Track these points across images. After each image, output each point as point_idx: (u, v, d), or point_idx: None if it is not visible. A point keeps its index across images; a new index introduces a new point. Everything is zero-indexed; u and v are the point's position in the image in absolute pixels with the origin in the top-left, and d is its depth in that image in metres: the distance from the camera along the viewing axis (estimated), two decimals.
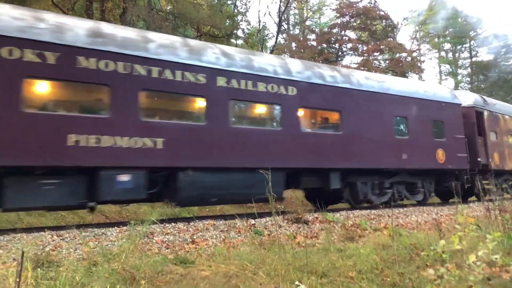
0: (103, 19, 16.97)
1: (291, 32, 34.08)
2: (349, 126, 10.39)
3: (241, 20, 28.40)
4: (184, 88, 8.08)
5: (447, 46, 44.91)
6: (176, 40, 8.70)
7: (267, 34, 32.26)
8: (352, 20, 28.28)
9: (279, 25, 28.48)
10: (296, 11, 36.24)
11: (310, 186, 10.51)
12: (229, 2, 28.62)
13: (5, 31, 6.54)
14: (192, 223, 7.62)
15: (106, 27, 7.91)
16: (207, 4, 24.81)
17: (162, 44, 8.14)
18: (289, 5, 30.50)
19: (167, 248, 5.98)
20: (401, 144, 11.43)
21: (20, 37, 6.60)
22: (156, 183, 7.95)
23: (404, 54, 28.55)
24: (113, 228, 6.83)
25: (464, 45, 43.50)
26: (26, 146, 6.50)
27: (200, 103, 8.47)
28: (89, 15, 17.20)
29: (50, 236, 6.11)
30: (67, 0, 18.32)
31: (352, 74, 11.38)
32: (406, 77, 26.20)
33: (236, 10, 27.98)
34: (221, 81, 8.48)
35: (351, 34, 29.30)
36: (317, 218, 8.63)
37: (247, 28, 29.51)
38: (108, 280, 3.97)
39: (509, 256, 4.14)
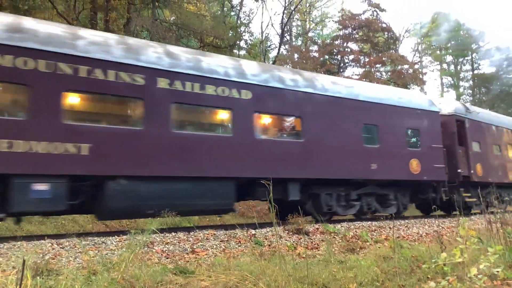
0: (107, 29, 17.13)
1: (294, 43, 34.31)
2: (311, 133, 9.75)
3: (244, 31, 28.66)
4: (118, 89, 7.47)
5: (449, 58, 45.17)
6: (111, 37, 8.13)
7: (270, 45, 32.51)
8: (354, 32, 28.49)
9: (282, 36, 28.69)
10: (299, 23, 36.58)
11: (266, 197, 10.01)
12: (232, 13, 28.90)
13: None
14: (192, 232, 7.59)
15: (28, 22, 7.28)
16: (210, 15, 25.05)
17: (94, 41, 7.54)
18: (291, 17, 30.75)
19: (167, 258, 5.96)
20: (371, 153, 10.75)
21: None
22: (81, 193, 7.26)
23: (406, 66, 28.69)
24: (113, 237, 6.81)
25: (466, 58, 43.69)
26: None
27: (136, 106, 7.87)
28: (93, 25, 17.37)
29: (50, 244, 6.09)
30: (71, 11, 18.53)
31: (317, 78, 10.73)
32: (408, 89, 26.24)
33: (239, 21, 28.22)
34: (162, 83, 7.87)
35: (353, 46, 29.54)
36: (317, 229, 8.60)
37: (249, 39, 29.77)
38: None
39: (510, 270, 4.11)
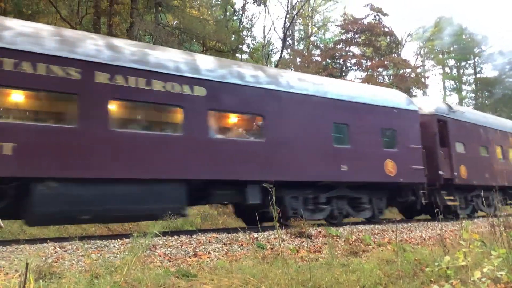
0: (110, 33, 17.22)
1: (296, 47, 34.39)
2: (274, 133, 9.16)
3: (247, 36, 28.72)
4: (48, 83, 6.90)
5: (452, 62, 45.12)
6: (44, 28, 7.54)
7: (272, 49, 32.59)
8: (356, 36, 28.53)
9: (284, 40, 28.74)
10: (301, 27, 36.65)
11: (225, 201, 9.50)
12: (235, 18, 28.99)
13: None
14: (195, 236, 7.59)
15: None
16: (213, 19, 25.13)
17: (22, 32, 6.96)
18: (294, 21, 30.83)
19: (170, 261, 5.96)
20: (341, 154, 10.12)
21: None
22: (4, 196, 6.72)
23: (408, 70, 28.70)
24: (116, 240, 6.81)
25: (469, 62, 43.67)
26: None
27: (70, 102, 7.27)
28: (96, 30, 17.47)
29: (52, 247, 6.10)
30: (75, 15, 18.64)
31: (281, 75, 10.09)
32: (410, 92, 26.26)
33: (241, 26, 28.31)
34: (101, 77, 7.28)
35: (356, 50, 29.57)
36: (320, 232, 8.58)
37: (252, 43, 29.81)
38: None
39: None
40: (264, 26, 57.92)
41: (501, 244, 5.09)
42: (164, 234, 7.24)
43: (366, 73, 28.47)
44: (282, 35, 28.95)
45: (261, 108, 9.15)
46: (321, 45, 33.34)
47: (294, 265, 5.28)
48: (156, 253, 6.25)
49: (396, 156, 11.19)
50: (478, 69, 43.56)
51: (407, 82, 27.46)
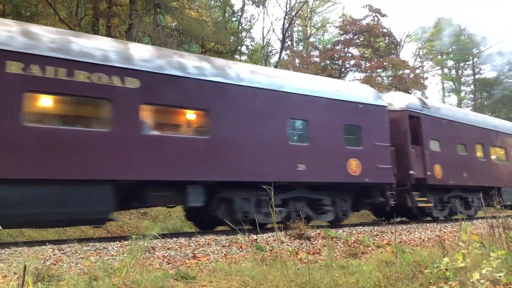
0: (109, 35, 17.23)
1: (295, 48, 34.44)
2: (220, 129, 8.48)
3: (245, 37, 28.79)
4: None
5: (450, 63, 45.19)
6: None
7: (271, 51, 32.68)
8: (355, 37, 28.57)
9: (283, 41, 28.82)
10: (300, 28, 36.74)
11: (162, 204, 8.91)
12: (233, 19, 29.04)
13: None
14: (194, 238, 7.58)
15: None
16: (212, 21, 25.17)
17: None
18: (293, 22, 30.87)
19: (168, 263, 5.95)
20: (298, 153, 9.44)
21: None
22: None
23: (407, 71, 28.73)
24: (115, 243, 6.81)
25: (468, 62, 43.74)
26: None
27: None
28: (95, 31, 17.48)
29: (51, 250, 6.10)
30: (73, 17, 18.65)
31: (230, 66, 9.33)
32: (409, 93, 26.27)
33: (240, 27, 28.35)
34: (13, 67, 6.60)
35: (354, 51, 29.61)
36: (319, 234, 8.58)
37: (251, 45, 29.92)
38: None
39: None
40: (263, 27, 58.08)
41: (500, 245, 5.09)
42: (163, 236, 7.25)
43: (365, 74, 28.51)
44: (281, 36, 29.07)
45: (205, 103, 8.43)
46: (320, 46, 33.39)
47: (293, 267, 5.27)
48: (155, 255, 6.24)
49: (361, 155, 10.48)
50: (477, 70, 43.64)
51: (406, 83, 27.49)
